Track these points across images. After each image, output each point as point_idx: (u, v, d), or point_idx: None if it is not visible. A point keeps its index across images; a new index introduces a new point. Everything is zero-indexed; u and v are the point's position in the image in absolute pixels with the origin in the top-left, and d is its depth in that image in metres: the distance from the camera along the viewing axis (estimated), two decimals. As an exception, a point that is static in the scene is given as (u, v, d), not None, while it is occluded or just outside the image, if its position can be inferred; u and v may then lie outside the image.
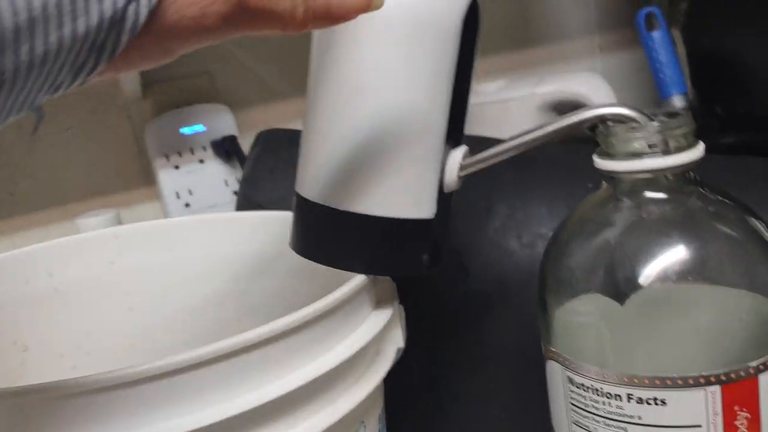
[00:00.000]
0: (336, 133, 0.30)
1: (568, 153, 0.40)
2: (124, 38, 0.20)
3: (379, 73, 0.29)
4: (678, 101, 0.63)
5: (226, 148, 0.70)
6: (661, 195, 0.28)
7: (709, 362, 0.27)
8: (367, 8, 0.25)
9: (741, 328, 0.27)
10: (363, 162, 0.30)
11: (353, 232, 0.30)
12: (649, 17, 0.65)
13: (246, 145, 0.71)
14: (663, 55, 0.62)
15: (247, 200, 0.50)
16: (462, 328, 0.39)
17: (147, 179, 0.72)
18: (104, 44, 0.20)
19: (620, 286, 0.28)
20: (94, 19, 0.19)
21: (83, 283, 0.43)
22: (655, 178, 0.28)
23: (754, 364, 0.27)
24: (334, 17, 0.24)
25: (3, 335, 0.41)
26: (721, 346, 0.27)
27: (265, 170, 0.50)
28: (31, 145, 0.68)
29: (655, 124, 0.28)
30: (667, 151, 0.28)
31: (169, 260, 0.45)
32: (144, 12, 0.20)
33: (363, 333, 0.31)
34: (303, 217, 0.32)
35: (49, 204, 0.69)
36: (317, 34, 0.31)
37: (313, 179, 0.31)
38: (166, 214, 0.71)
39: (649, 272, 0.28)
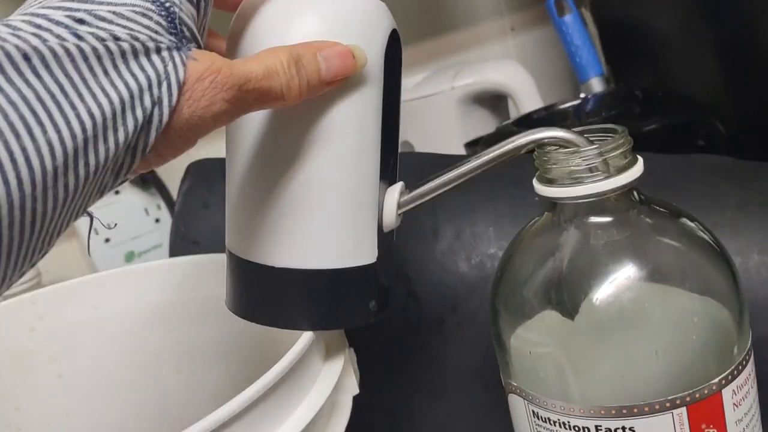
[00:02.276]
0: (261, 188, 0.28)
1: (513, 168, 0.39)
2: (152, 137, 0.23)
3: (299, 123, 0.27)
4: (596, 84, 0.64)
5: (142, 176, 0.66)
6: (606, 219, 0.28)
7: (673, 380, 0.26)
8: (353, 69, 0.27)
9: (698, 337, 0.27)
10: (294, 214, 0.28)
11: (293, 290, 0.29)
12: (558, 2, 0.65)
13: (161, 169, 0.68)
14: (577, 38, 0.62)
15: (181, 239, 0.47)
16: (416, 355, 0.38)
17: (60, 217, 0.68)
18: (137, 145, 0.22)
19: (573, 309, 0.27)
20: (131, 126, 0.22)
21: (5, 356, 0.40)
22: (598, 202, 0.27)
23: (716, 380, 0.26)
24: (327, 83, 0.26)
25: None
26: (681, 360, 0.27)
27: (198, 204, 0.48)
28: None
29: (594, 147, 0.27)
30: (608, 173, 0.27)
31: (95, 319, 0.42)
32: (166, 112, 0.23)
33: (317, 393, 0.29)
34: (236, 275, 0.30)
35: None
36: None
37: (242, 235, 0.29)
38: (86, 254, 0.67)
39: (599, 294, 0.27)
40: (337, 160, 0.28)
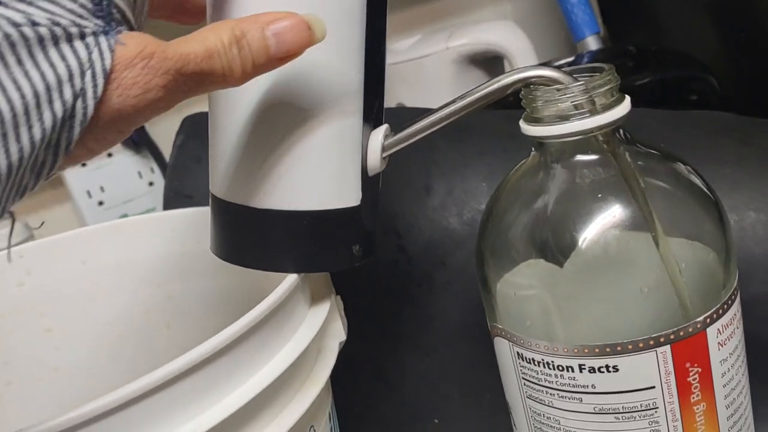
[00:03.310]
0: (242, 131, 0.28)
1: (508, 121, 0.38)
2: (76, 133, 0.21)
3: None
4: (592, 42, 0.63)
5: (134, 138, 0.66)
6: (592, 157, 0.27)
7: (657, 320, 0.26)
8: (309, 43, 0.25)
9: (685, 278, 0.27)
10: (277, 155, 0.28)
11: (276, 231, 0.28)
12: (554, -41, 0.64)
13: (155, 131, 0.67)
14: (572, -4, 0.61)
15: (174, 192, 0.47)
16: (405, 311, 0.38)
17: (54, 181, 0.67)
18: (59, 142, 0.21)
19: (559, 251, 0.27)
20: (48, 122, 0.20)
21: (-8, 311, 0.40)
22: (584, 140, 0.27)
23: (700, 318, 0.26)
24: (276, 60, 0.24)
25: None
26: (666, 299, 0.27)
27: (192, 159, 0.47)
28: None
29: (580, 84, 0.26)
30: (594, 111, 0.26)
31: (83, 273, 0.42)
32: (91, 104, 0.21)
33: (302, 335, 0.29)
34: (221, 219, 0.30)
35: (-53, 220, 0.64)
36: (209, 15, 0.28)
37: (226, 178, 0.29)
38: (79, 217, 0.66)
39: (586, 234, 0.27)
40: (318, 101, 0.27)
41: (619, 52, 0.53)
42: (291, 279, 0.29)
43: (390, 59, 0.71)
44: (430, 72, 0.68)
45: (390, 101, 0.73)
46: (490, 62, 0.70)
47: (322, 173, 0.28)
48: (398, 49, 0.71)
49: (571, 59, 0.56)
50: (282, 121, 0.27)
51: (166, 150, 0.67)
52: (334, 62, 0.27)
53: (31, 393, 0.41)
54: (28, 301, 0.41)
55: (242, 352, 0.26)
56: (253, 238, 0.29)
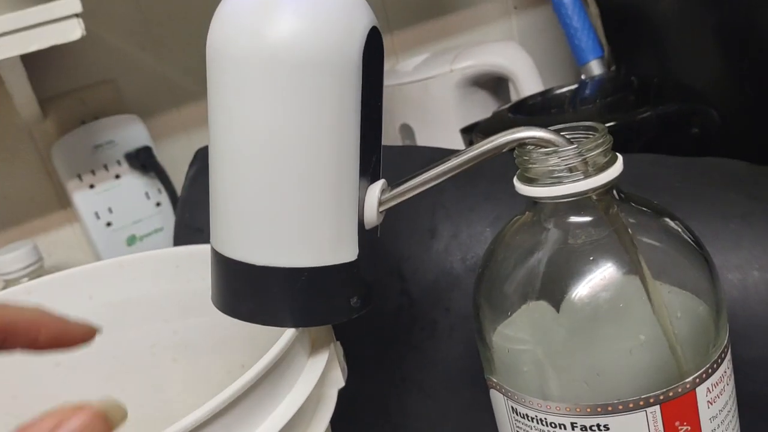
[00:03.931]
0: (241, 187, 0.28)
1: (516, 168, 0.39)
2: None
3: (275, 122, 0.27)
4: (595, 66, 0.63)
5: (141, 161, 0.67)
6: (585, 218, 0.28)
7: (647, 380, 0.27)
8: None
9: (678, 333, 0.27)
10: (274, 213, 0.28)
11: (274, 287, 0.29)
12: (558, -17, 0.64)
13: (161, 153, 0.68)
14: (575, 20, 0.62)
15: (185, 225, 0.48)
16: (408, 354, 0.39)
17: (62, 202, 0.68)
18: None
19: (550, 308, 0.28)
20: None
21: (1, 347, 0.41)
22: (578, 200, 0.28)
23: (689, 379, 0.27)
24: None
25: None
26: (657, 358, 0.27)
27: (203, 192, 0.47)
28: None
29: (573, 147, 0.27)
30: (587, 173, 0.27)
31: (90, 309, 0.42)
32: None
33: (302, 387, 0.30)
34: (220, 272, 0.30)
35: (-41, 243, 0.65)
36: (208, 77, 0.29)
37: (224, 234, 0.30)
38: (88, 237, 0.67)
39: (577, 294, 0.27)
40: (315, 159, 0.28)
41: (622, 85, 0.53)
42: (290, 331, 0.29)
43: (395, 80, 0.71)
44: (434, 93, 0.69)
45: (395, 122, 0.74)
46: (495, 84, 0.71)
47: (319, 230, 0.29)
48: (403, 69, 0.72)
49: (572, 88, 0.56)
50: (279, 178, 0.28)
51: (172, 173, 0.68)
52: (330, 121, 0.28)
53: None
54: (37, 336, 0.41)
55: (244, 408, 0.27)
56: (251, 293, 0.29)
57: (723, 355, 0.28)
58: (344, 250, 0.29)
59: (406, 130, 0.73)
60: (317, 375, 0.30)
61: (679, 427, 0.27)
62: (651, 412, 0.26)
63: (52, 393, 0.42)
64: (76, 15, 0.50)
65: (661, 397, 0.26)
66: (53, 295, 0.42)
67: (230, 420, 0.26)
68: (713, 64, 0.55)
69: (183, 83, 0.71)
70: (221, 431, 0.26)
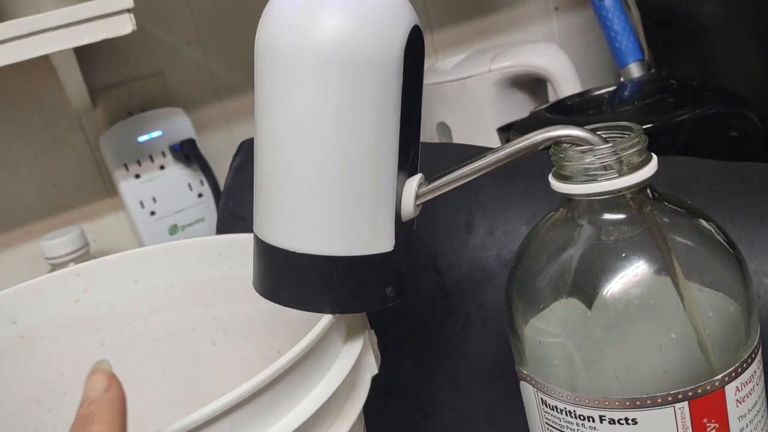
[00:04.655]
0: (285, 178, 0.29)
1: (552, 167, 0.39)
2: None
3: (320, 117, 0.28)
4: (635, 69, 0.63)
5: (185, 153, 0.69)
6: (618, 216, 0.28)
7: (677, 375, 0.27)
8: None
9: (710, 332, 0.28)
10: (316, 203, 0.29)
11: (312, 274, 0.30)
12: (599, -15, 0.64)
13: (204, 146, 0.70)
14: (616, 23, 0.62)
15: (228, 213, 0.49)
16: (441, 348, 0.39)
17: (108, 190, 0.71)
18: None
19: (582, 303, 0.28)
20: None
21: (50, 326, 0.42)
22: (612, 198, 0.28)
23: (719, 377, 0.27)
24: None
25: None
26: (687, 356, 0.28)
27: (247, 181, 0.48)
28: (-16, 170, 0.66)
29: (608, 146, 0.27)
30: (622, 172, 0.27)
31: (135, 291, 0.44)
32: None
33: (337, 371, 0.31)
34: (263, 259, 0.32)
35: (9, 227, 0.67)
36: (256, 73, 0.30)
37: (268, 222, 0.31)
38: (132, 225, 0.70)
39: (609, 290, 0.28)
40: (356, 152, 0.29)
41: (661, 87, 0.53)
42: (327, 317, 0.30)
43: (434, 79, 0.72)
44: (472, 93, 0.69)
45: (432, 120, 0.74)
46: (534, 84, 0.71)
47: (357, 221, 0.30)
48: (442, 68, 0.73)
49: (611, 89, 0.56)
50: (320, 170, 0.29)
51: (214, 165, 0.69)
52: (371, 116, 0.29)
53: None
54: (84, 317, 0.43)
55: (280, 390, 0.28)
56: (290, 279, 0.31)
57: (753, 355, 0.28)
58: (381, 241, 0.30)
59: (443, 128, 0.74)
60: (352, 360, 0.31)
61: (707, 425, 0.27)
62: (679, 408, 0.27)
63: (97, 371, 0.43)
64: (128, 10, 0.52)
65: (690, 394, 0.27)
66: (101, 278, 0.44)
67: (267, 400, 0.27)
68: (754, 68, 0.54)
69: (226, 78, 0.73)
70: (259, 411, 0.27)
